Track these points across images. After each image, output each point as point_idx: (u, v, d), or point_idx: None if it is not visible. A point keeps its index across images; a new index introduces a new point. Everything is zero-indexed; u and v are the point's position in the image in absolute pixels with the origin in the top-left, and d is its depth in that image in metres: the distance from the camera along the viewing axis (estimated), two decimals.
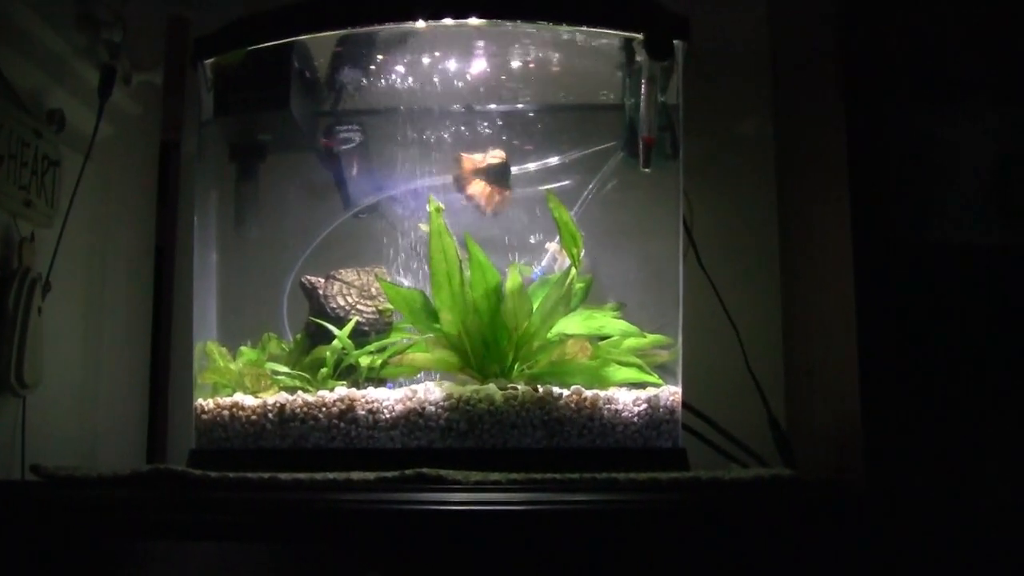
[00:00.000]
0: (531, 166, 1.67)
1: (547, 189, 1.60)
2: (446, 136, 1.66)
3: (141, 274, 1.98)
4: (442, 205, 1.50)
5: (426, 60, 1.63)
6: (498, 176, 1.62)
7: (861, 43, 1.49)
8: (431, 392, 1.46)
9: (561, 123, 1.70)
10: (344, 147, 1.68)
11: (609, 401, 1.47)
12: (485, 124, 1.68)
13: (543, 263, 1.66)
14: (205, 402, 1.57)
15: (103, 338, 1.88)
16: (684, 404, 1.56)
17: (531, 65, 1.64)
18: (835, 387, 1.60)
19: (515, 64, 1.64)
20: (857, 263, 1.48)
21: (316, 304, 1.62)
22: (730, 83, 1.93)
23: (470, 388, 1.46)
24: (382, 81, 1.65)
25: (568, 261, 1.55)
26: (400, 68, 1.65)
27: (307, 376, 1.58)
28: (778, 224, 1.91)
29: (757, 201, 1.93)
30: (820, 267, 1.69)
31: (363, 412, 1.46)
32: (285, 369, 1.60)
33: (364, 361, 1.56)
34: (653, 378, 1.54)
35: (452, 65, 1.65)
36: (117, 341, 1.91)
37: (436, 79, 1.64)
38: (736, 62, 1.93)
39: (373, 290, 1.62)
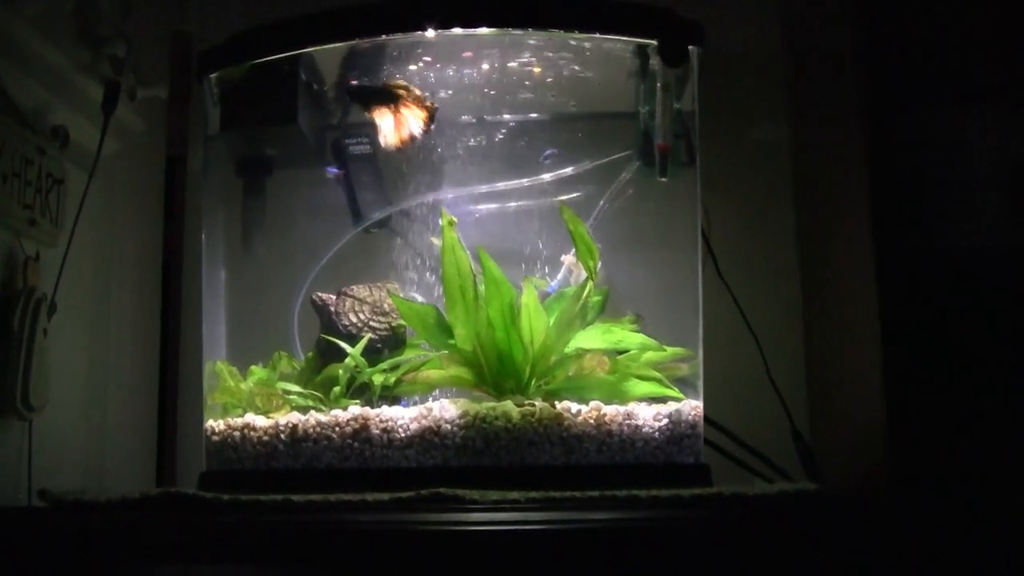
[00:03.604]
0: (545, 177, 1.67)
1: (561, 201, 1.61)
2: (457, 148, 1.66)
3: (148, 293, 1.99)
4: (455, 218, 1.51)
5: (435, 71, 1.63)
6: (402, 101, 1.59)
7: (879, 46, 1.50)
8: (446, 410, 1.45)
9: (574, 133, 1.70)
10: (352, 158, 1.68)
11: (629, 416, 1.47)
12: (496, 135, 1.68)
13: (559, 276, 1.66)
14: (215, 423, 1.57)
15: (110, 359, 1.88)
16: (706, 418, 1.56)
17: (543, 74, 1.64)
18: (859, 396, 1.60)
19: (527, 74, 1.64)
20: (879, 268, 1.48)
21: (327, 321, 1.62)
22: (745, 88, 1.93)
23: (486, 405, 1.46)
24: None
25: (584, 273, 1.55)
26: (409, 79, 1.65)
27: (319, 395, 1.58)
28: (797, 230, 1.91)
29: (775, 208, 1.93)
30: (841, 273, 1.69)
31: (377, 431, 1.46)
32: (297, 388, 1.60)
33: (377, 379, 1.56)
34: (673, 392, 1.54)
35: (462, 75, 1.65)
36: (124, 362, 1.91)
37: (446, 90, 1.64)
38: (751, 67, 1.93)
39: (386, 306, 1.62)
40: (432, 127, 1.58)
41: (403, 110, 1.57)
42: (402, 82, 1.58)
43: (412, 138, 1.57)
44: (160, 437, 1.95)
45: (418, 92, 1.58)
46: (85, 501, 1.41)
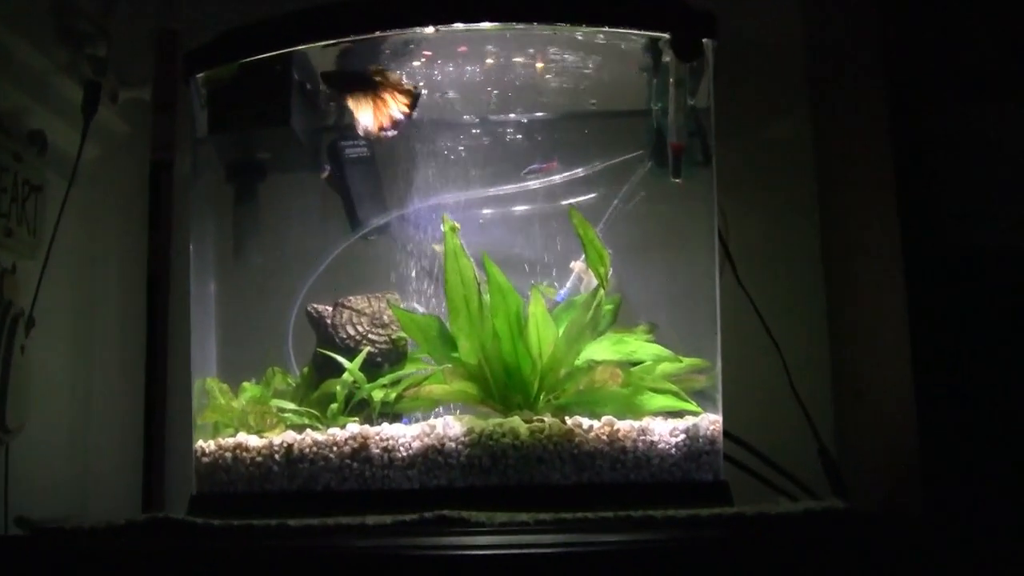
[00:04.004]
0: (553, 179, 1.68)
1: (570, 204, 1.61)
2: (460, 149, 1.68)
3: (133, 306, 1.99)
4: (457, 224, 1.52)
5: (436, 68, 1.64)
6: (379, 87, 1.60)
7: (904, 40, 1.50)
8: (450, 427, 1.46)
9: (583, 132, 1.71)
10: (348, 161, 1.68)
11: (643, 432, 1.48)
12: (501, 135, 1.69)
13: (568, 284, 1.67)
14: (206, 443, 1.58)
15: (93, 377, 1.89)
16: (725, 433, 1.56)
17: (549, 71, 1.65)
18: (889, 409, 1.60)
19: (532, 70, 1.65)
20: (908, 272, 1.48)
21: (324, 334, 1.63)
22: (764, 83, 1.94)
23: (492, 421, 1.47)
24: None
25: (594, 281, 1.56)
26: (407, 77, 1.66)
27: (316, 413, 1.59)
28: (820, 233, 1.92)
29: (797, 210, 1.93)
30: (868, 279, 1.69)
31: (377, 450, 1.47)
32: (292, 406, 1.61)
33: (377, 395, 1.57)
34: (691, 406, 1.55)
35: (464, 73, 1.66)
36: (108, 380, 1.92)
37: (447, 89, 1.66)
38: (770, 60, 1.94)
39: (385, 318, 1.63)
40: (414, 113, 1.59)
41: (383, 95, 1.58)
42: (380, 67, 1.59)
43: (394, 124, 1.58)
44: (147, 459, 1.95)
45: (398, 77, 1.59)
46: (67, 528, 1.42)
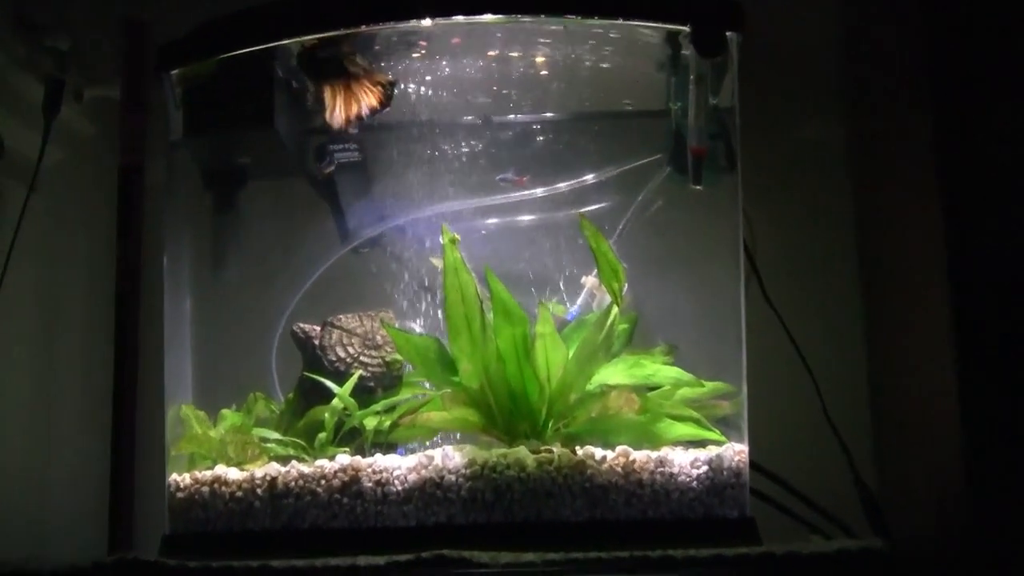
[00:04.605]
0: (562, 186, 1.69)
1: (581, 213, 1.62)
2: (460, 154, 1.69)
3: (99, 326, 1.99)
4: (458, 236, 1.52)
5: (435, 66, 1.66)
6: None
7: (951, 38, 1.51)
8: (450, 458, 1.47)
9: (596, 135, 1.73)
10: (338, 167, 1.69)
11: (662, 463, 1.49)
12: (505, 138, 1.70)
13: (579, 301, 1.68)
14: (180, 477, 1.59)
15: (55, 405, 1.89)
16: (752, 464, 1.57)
17: (558, 68, 1.66)
18: (933, 439, 1.60)
19: (539, 68, 1.67)
20: (954, 288, 1.48)
21: (311, 357, 1.65)
22: (794, 80, 1.94)
23: (496, 452, 1.48)
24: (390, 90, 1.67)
25: (608, 298, 1.57)
26: (404, 76, 1.67)
27: (302, 443, 1.60)
28: (856, 245, 1.92)
29: (830, 219, 1.94)
30: (909, 294, 1.69)
31: (370, 484, 1.48)
32: (275, 435, 1.62)
33: (370, 423, 1.58)
34: (714, 434, 1.56)
35: (465, 71, 1.67)
36: (72, 408, 1.92)
37: (446, 88, 1.67)
38: (800, 55, 1.95)
39: (378, 338, 1.65)
40: (387, 106, 1.60)
41: (359, 85, 1.59)
42: (356, 56, 1.61)
43: (360, 118, 1.60)
44: (114, 495, 1.95)
45: (372, 68, 1.60)
46: (27, 571, 1.43)
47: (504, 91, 1.70)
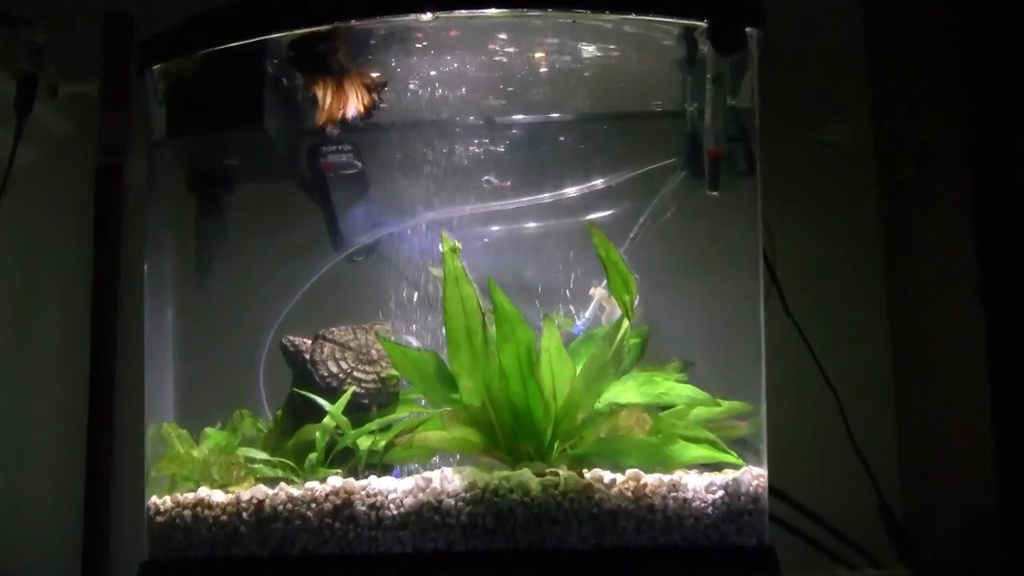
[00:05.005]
0: (570, 191, 1.71)
1: (590, 220, 1.64)
2: (461, 157, 1.70)
3: (74, 338, 1.99)
4: (459, 244, 1.53)
5: (435, 64, 1.67)
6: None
7: (985, 37, 1.51)
8: (449, 480, 1.48)
9: (606, 137, 1.74)
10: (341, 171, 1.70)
11: (675, 487, 1.49)
12: (509, 140, 1.71)
13: (587, 314, 1.69)
14: (160, 500, 1.59)
15: (25, 423, 1.89)
16: (771, 489, 1.57)
17: (566, 66, 1.67)
18: (964, 463, 1.61)
19: (546, 65, 1.68)
20: (988, 303, 1.49)
21: (301, 372, 1.65)
22: (818, 80, 1.96)
23: (498, 474, 1.48)
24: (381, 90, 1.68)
25: (618, 310, 1.58)
26: (402, 74, 1.68)
27: (291, 464, 1.61)
28: (884, 257, 1.93)
29: (856, 229, 1.95)
30: (941, 310, 1.70)
31: (363, 508, 1.48)
32: (263, 455, 1.62)
33: (364, 443, 1.58)
34: (731, 457, 1.56)
35: (468, 69, 1.68)
36: (45, 424, 1.93)
37: (447, 87, 1.68)
38: (824, 53, 1.96)
39: (373, 352, 1.65)
40: (380, 106, 1.61)
41: (350, 84, 1.60)
42: (350, 53, 1.62)
43: (352, 117, 1.61)
44: (89, 518, 1.95)
45: (362, 68, 1.62)
46: None
47: (509, 90, 1.71)
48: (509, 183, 1.70)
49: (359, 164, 1.71)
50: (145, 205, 1.81)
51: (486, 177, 1.69)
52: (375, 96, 1.62)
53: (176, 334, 1.73)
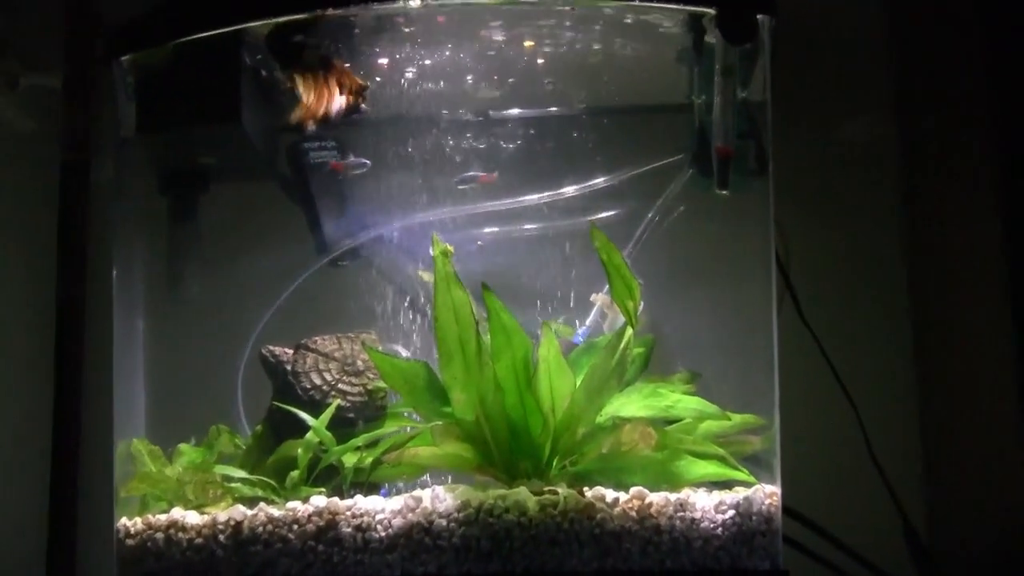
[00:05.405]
0: (570, 190, 1.72)
1: (591, 221, 1.65)
2: (453, 154, 1.70)
3: (38, 349, 2.00)
4: (451, 247, 1.53)
5: (423, 53, 1.67)
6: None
7: (1016, 20, 1.52)
8: (441, 500, 1.48)
9: (608, 132, 1.74)
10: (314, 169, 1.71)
11: (682, 507, 1.50)
12: (504, 136, 1.72)
13: (588, 321, 1.70)
14: (131, 522, 1.60)
15: None
16: (785, 509, 1.58)
17: (566, 56, 1.68)
18: (992, 483, 1.61)
19: (544, 55, 1.68)
20: (1016, 311, 1.49)
21: (283, 384, 1.66)
22: (836, 72, 1.97)
23: (493, 493, 1.48)
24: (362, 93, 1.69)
25: (621, 318, 1.58)
26: (388, 64, 1.69)
27: (271, 483, 1.61)
28: (906, 261, 1.94)
29: (876, 231, 1.96)
30: (966, 318, 1.70)
31: (349, 529, 1.48)
32: (241, 473, 1.63)
33: (349, 460, 1.59)
34: (742, 474, 1.57)
35: (460, 61, 1.69)
36: (5, 440, 1.93)
37: (439, 80, 1.69)
38: (843, 42, 1.97)
39: (359, 363, 1.66)
40: (363, 102, 1.62)
41: (331, 77, 1.61)
42: (331, 50, 1.63)
43: (339, 116, 1.62)
44: (52, 542, 1.96)
45: (344, 66, 1.63)
46: None
47: (505, 83, 1.72)
48: (496, 174, 1.70)
49: (367, 162, 1.71)
50: (113, 206, 1.82)
51: (469, 173, 1.70)
52: (362, 90, 1.63)
53: (147, 343, 1.74)
